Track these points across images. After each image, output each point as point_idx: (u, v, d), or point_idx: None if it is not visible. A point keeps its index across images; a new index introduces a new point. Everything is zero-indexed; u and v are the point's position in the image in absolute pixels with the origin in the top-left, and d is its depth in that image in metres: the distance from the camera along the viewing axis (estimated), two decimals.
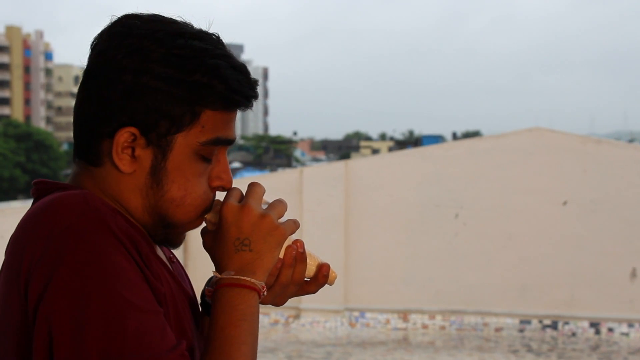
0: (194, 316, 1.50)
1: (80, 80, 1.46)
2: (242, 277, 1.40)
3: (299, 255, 1.49)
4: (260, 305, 1.47)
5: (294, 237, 1.50)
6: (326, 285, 1.56)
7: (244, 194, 1.47)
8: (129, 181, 1.42)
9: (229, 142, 1.47)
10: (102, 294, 1.25)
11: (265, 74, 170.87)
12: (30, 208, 1.40)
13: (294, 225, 1.48)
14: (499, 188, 8.84)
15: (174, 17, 1.46)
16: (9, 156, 60.03)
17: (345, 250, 9.07)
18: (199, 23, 1.48)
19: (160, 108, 1.39)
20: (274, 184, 9.32)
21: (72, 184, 1.45)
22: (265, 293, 1.43)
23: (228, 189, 1.49)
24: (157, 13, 1.46)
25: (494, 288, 8.80)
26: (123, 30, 1.42)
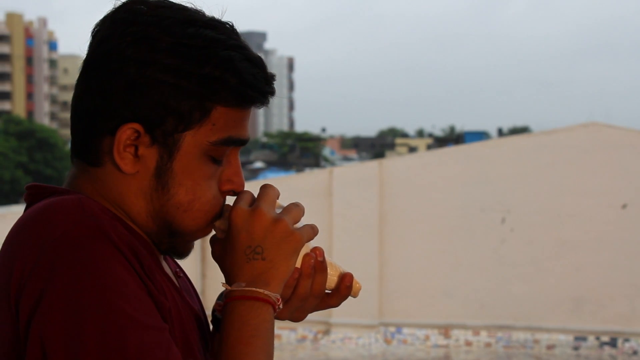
0: (201, 335, 1.50)
1: (80, 70, 1.46)
2: (254, 289, 1.40)
3: (318, 264, 1.48)
4: (278, 320, 1.47)
5: (312, 243, 1.50)
6: (350, 297, 1.55)
7: (256, 197, 1.47)
8: (132, 183, 1.42)
9: (241, 142, 1.47)
10: (100, 308, 1.25)
11: (291, 64, 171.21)
12: (22, 215, 1.40)
13: (312, 231, 1.48)
14: (551, 190, 8.80)
15: (184, 4, 1.46)
16: (10, 156, 60.51)
17: (380, 258, 9.06)
18: (211, 10, 1.48)
19: (167, 103, 1.39)
20: (301, 186, 9.33)
21: (68, 187, 1.46)
22: (281, 306, 1.43)
23: (239, 193, 1.49)
24: None
25: (546, 301, 8.76)
26: (128, 16, 1.42)
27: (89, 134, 1.43)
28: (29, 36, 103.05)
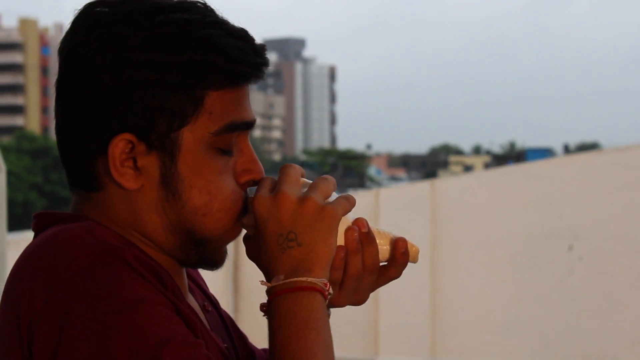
0: None
1: (55, 95, 1.46)
2: (295, 279, 1.39)
3: (363, 236, 1.47)
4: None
5: (352, 215, 1.48)
6: (411, 264, 1.55)
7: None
8: (139, 199, 1.42)
9: (246, 125, 1.47)
10: (126, 335, 1.26)
11: (332, 73, 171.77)
12: (28, 244, 1.40)
13: (347, 202, 1.47)
14: (625, 214, 8.73)
15: None
16: (23, 176, 61.10)
17: (432, 290, 9.03)
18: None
19: (153, 103, 1.39)
20: None
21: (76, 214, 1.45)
22: (331, 292, 1.42)
23: (259, 181, 1.48)
24: None
25: (620, 338, 8.68)
26: (89, 22, 1.43)
27: (80, 158, 1.43)
28: (44, 44, 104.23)
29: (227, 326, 1.61)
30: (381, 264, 1.50)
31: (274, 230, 1.42)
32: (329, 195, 1.46)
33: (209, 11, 1.45)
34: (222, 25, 1.43)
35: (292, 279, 1.39)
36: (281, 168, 1.47)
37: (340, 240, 1.45)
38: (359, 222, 1.47)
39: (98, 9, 1.43)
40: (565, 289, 8.84)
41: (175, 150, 1.41)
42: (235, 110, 1.44)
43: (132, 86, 1.38)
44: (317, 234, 1.41)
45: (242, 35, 1.44)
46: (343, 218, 1.46)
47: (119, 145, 1.39)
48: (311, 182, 1.47)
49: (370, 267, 1.48)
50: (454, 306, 9.07)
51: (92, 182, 1.43)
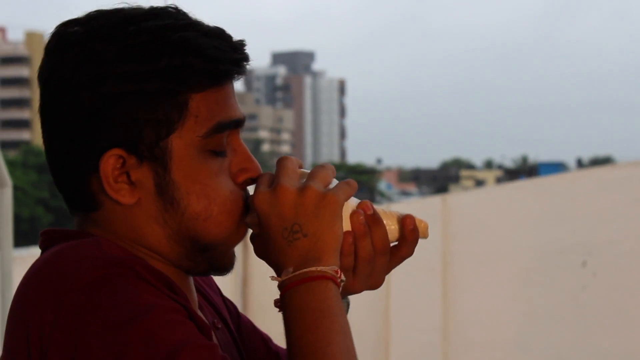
0: None
1: (40, 123, 1.47)
2: (305, 270, 1.40)
3: (369, 218, 1.48)
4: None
5: (355, 200, 1.49)
6: (422, 241, 1.55)
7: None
8: (138, 213, 1.43)
9: (235, 123, 1.47)
10: (141, 342, 1.26)
11: (342, 87, 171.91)
12: (35, 262, 1.41)
13: (348, 186, 1.48)
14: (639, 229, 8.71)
15: (117, 6, 1.46)
16: (30, 191, 61.19)
17: (444, 307, 9.02)
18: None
19: (138, 114, 1.40)
20: None
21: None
22: (344, 278, 1.42)
23: (257, 177, 1.48)
24: (97, 8, 1.46)
25: (635, 357, 8.65)
26: (61, 43, 1.44)
27: (74, 181, 1.44)
28: None
29: (238, 344, 1.62)
30: (392, 244, 1.51)
31: (278, 224, 1.42)
32: (329, 183, 1.47)
33: (181, 15, 1.45)
34: (197, 26, 1.44)
35: (301, 270, 1.39)
36: (277, 161, 1.48)
37: (347, 226, 1.45)
38: (363, 205, 1.48)
39: (70, 29, 1.44)
40: (578, 306, 8.81)
41: (166, 158, 1.41)
42: (222, 110, 1.44)
43: (113, 101, 1.39)
44: (321, 222, 1.42)
45: (218, 34, 1.44)
46: (346, 203, 1.46)
47: (110, 162, 1.40)
48: (309, 171, 1.48)
49: (381, 248, 1.49)
50: (465, 323, 9.04)
51: (90, 202, 1.44)
